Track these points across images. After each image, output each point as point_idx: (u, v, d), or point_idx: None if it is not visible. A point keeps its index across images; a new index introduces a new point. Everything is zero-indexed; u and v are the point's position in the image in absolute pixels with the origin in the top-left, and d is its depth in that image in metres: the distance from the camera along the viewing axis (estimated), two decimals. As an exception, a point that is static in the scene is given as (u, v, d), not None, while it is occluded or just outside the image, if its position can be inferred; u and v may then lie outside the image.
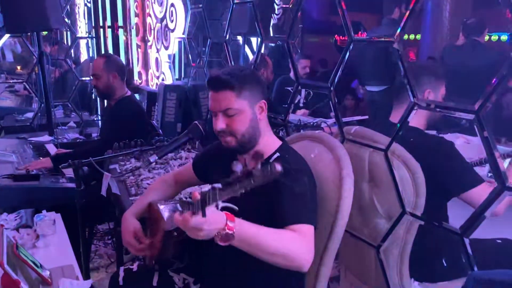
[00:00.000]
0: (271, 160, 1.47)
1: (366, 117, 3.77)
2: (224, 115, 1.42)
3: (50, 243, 1.58)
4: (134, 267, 1.64)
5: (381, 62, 3.89)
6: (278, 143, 1.52)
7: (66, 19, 4.42)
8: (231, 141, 1.44)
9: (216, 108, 1.43)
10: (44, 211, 1.70)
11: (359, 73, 4.43)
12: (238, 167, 1.03)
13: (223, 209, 1.12)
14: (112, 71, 2.68)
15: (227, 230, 1.14)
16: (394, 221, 1.69)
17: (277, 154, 1.48)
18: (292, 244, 1.26)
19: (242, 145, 1.45)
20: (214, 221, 1.12)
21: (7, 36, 3.68)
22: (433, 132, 2.21)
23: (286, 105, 2.51)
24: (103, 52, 4.60)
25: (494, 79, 1.30)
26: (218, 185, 1.04)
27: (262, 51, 2.75)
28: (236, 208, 1.13)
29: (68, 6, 4.72)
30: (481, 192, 1.58)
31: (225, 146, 1.47)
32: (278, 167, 0.99)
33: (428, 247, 1.74)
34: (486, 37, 3.83)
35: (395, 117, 1.85)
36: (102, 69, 2.67)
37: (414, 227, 1.67)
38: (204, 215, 1.08)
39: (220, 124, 1.42)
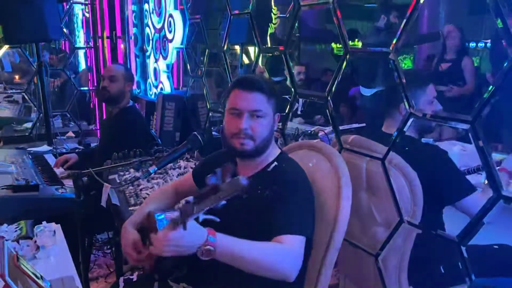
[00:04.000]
0: (268, 169, 1.50)
1: (363, 124, 3.79)
2: (250, 116, 1.41)
3: (51, 254, 1.58)
4: (134, 277, 1.64)
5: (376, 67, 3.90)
6: (277, 152, 1.54)
7: (64, 30, 4.44)
8: (248, 144, 1.42)
9: (245, 107, 1.41)
10: (44, 222, 1.70)
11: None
12: (210, 180, 1.05)
13: (204, 221, 1.13)
14: (129, 80, 2.78)
15: (208, 246, 1.15)
16: (392, 230, 1.70)
17: (275, 163, 1.50)
18: (276, 257, 1.26)
19: (257, 150, 1.44)
20: (193, 237, 1.14)
21: (6, 47, 3.69)
22: (429, 140, 2.22)
23: (283, 114, 2.52)
24: (101, 62, 4.63)
25: (490, 88, 1.31)
26: (191, 198, 1.06)
27: (260, 61, 2.77)
28: (217, 219, 1.14)
29: (67, 17, 4.75)
30: (473, 201, 1.60)
31: (239, 148, 1.44)
32: (244, 181, 1.01)
33: (426, 255, 1.75)
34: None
35: (387, 127, 1.87)
36: (122, 74, 2.74)
37: (412, 235, 1.68)
38: (185, 228, 1.09)
39: (244, 123, 1.40)
